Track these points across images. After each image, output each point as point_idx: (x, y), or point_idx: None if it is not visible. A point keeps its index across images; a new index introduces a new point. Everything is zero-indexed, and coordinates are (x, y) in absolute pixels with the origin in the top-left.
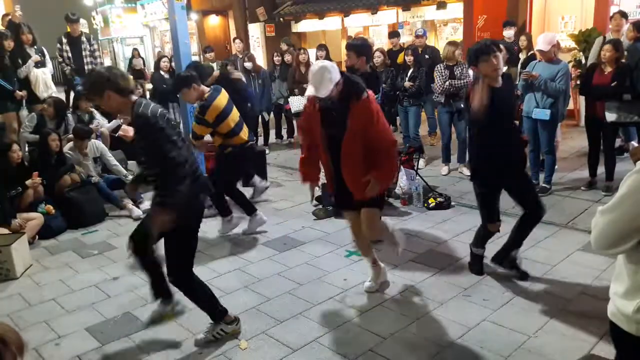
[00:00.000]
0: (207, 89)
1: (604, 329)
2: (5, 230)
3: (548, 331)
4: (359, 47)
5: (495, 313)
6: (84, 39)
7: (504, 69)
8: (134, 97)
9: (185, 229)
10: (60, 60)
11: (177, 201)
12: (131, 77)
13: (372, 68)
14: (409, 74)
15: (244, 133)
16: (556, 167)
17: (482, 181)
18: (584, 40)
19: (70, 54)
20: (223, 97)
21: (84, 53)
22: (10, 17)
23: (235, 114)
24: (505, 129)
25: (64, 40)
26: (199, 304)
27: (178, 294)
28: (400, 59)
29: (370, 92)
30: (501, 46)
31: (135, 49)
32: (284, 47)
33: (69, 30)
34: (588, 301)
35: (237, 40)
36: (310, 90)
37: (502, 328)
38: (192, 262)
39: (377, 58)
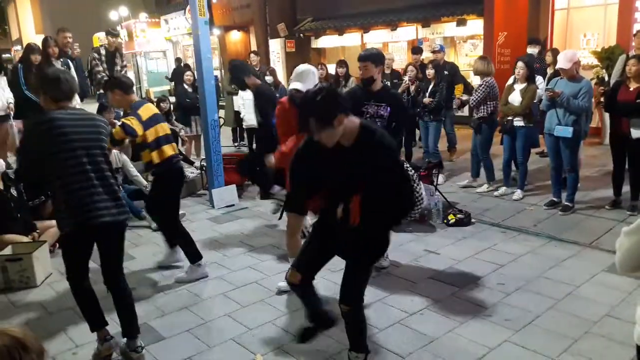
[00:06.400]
0: None
1: (631, 353)
2: (26, 239)
3: (572, 354)
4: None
5: (518, 334)
6: (117, 53)
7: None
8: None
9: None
10: (94, 66)
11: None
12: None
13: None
14: (429, 89)
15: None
16: (579, 185)
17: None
18: (607, 57)
19: (105, 65)
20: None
21: (116, 68)
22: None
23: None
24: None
25: (103, 52)
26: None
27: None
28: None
29: None
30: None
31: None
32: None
33: (104, 43)
34: (614, 324)
35: (252, 55)
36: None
37: (524, 350)
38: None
39: (410, 72)
